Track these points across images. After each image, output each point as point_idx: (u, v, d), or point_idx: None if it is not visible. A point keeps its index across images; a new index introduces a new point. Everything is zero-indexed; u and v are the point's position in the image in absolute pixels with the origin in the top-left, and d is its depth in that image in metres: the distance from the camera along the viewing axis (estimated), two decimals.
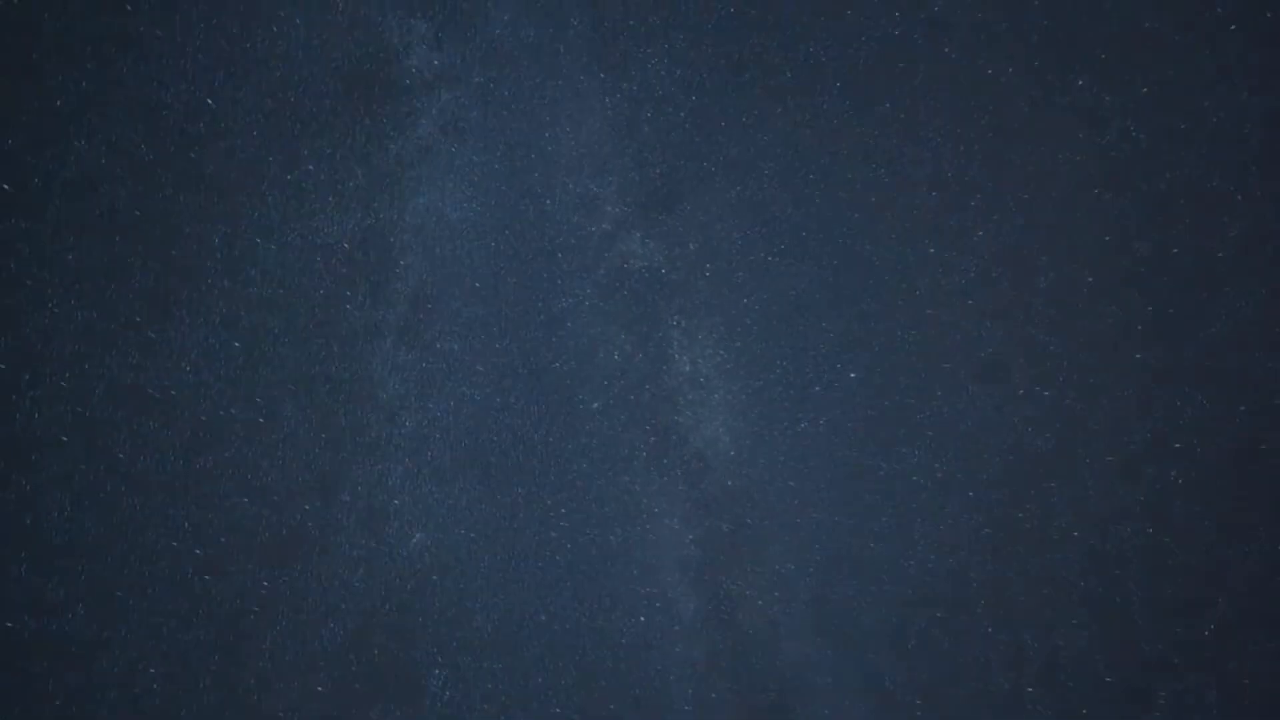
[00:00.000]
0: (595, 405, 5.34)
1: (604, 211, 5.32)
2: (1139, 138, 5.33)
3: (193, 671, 4.78)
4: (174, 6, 4.37)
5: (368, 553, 5.14)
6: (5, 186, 3.61)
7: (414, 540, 5.18)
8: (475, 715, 5.17)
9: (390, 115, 4.87)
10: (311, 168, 4.72)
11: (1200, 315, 5.39)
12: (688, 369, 5.41)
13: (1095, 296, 5.48)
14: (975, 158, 5.40)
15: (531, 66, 4.96)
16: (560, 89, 5.06)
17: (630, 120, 5.21)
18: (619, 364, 5.40)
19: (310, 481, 5.02)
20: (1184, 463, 5.46)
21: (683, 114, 5.22)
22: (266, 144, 4.72)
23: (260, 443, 4.93)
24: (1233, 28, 5.17)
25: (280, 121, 4.66)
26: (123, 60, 4.38)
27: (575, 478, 5.29)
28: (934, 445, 5.62)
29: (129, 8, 4.26)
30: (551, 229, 5.27)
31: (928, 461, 5.64)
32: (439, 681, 5.20)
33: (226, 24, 4.49)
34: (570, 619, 5.37)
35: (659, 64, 5.09)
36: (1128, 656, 5.55)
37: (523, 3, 4.87)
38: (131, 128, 4.43)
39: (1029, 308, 5.58)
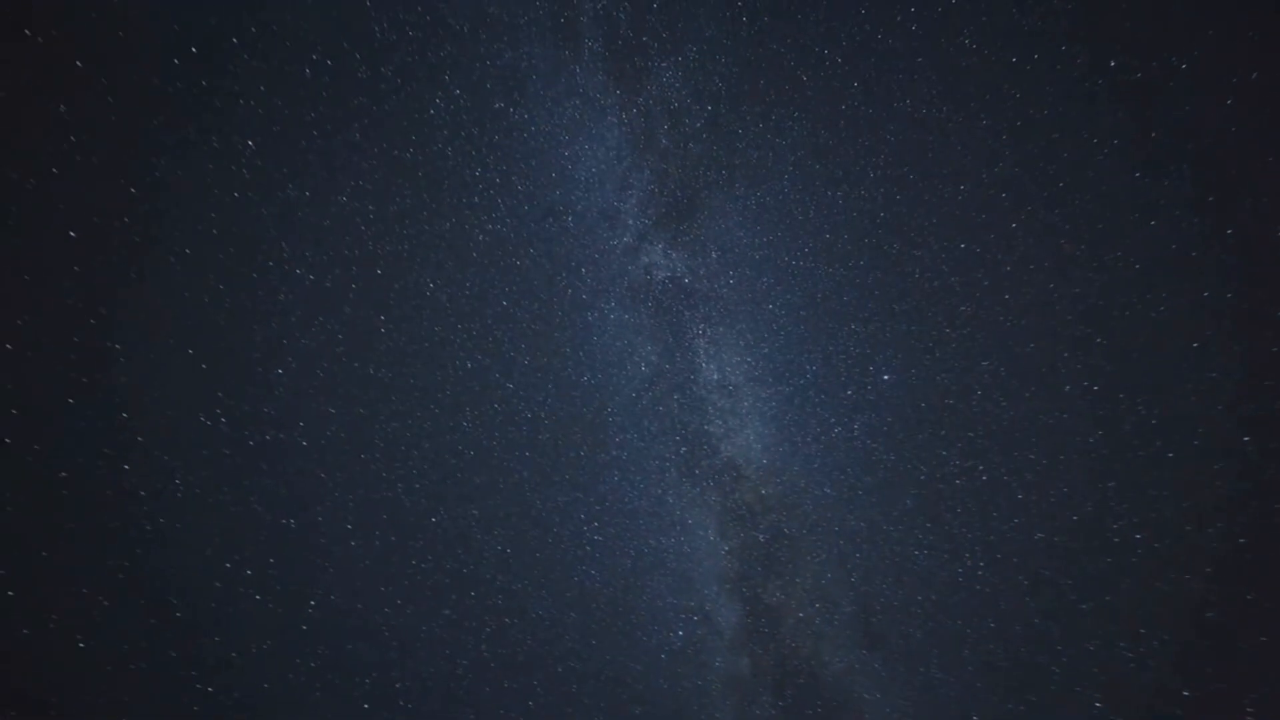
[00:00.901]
0: (624, 418, 5.37)
1: (625, 225, 5.40)
2: (1180, 118, 5.08)
3: None
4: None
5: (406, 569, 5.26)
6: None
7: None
8: None
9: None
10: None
11: (1260, 301, 5.06)
12: (716, 377, 5.39)
13: (1144, 285, 5.22)
14: (1004, 149, 5.25)
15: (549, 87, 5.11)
16: (578, 108, 5.19)
17: (648, 134, 5.29)
18: (647, 375, 5.42)
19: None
20: (1257, 458, 5.10)
21: (699, 124, 5.26)
22: None
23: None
24: None
25: None
26: None
27: (607, 490, 5.31)
28: (977, 446, 5.42)
29: None
30: (574, 244, 5.37)
31: (971, 464, 5.43)
32: (479, 696, 5.24)
33: None
34: (608, 633, 5.36)
35: (673, 77, 5.17)
36: (1210, 668, 5.18)
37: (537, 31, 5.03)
38: None
39: (1072, 300, 5.35)
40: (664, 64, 5.12)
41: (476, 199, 5.15)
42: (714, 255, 5.36)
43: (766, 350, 5.40)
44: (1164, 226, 5.20)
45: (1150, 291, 5.25)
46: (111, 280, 4.70)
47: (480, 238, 5.21)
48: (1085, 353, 5.33)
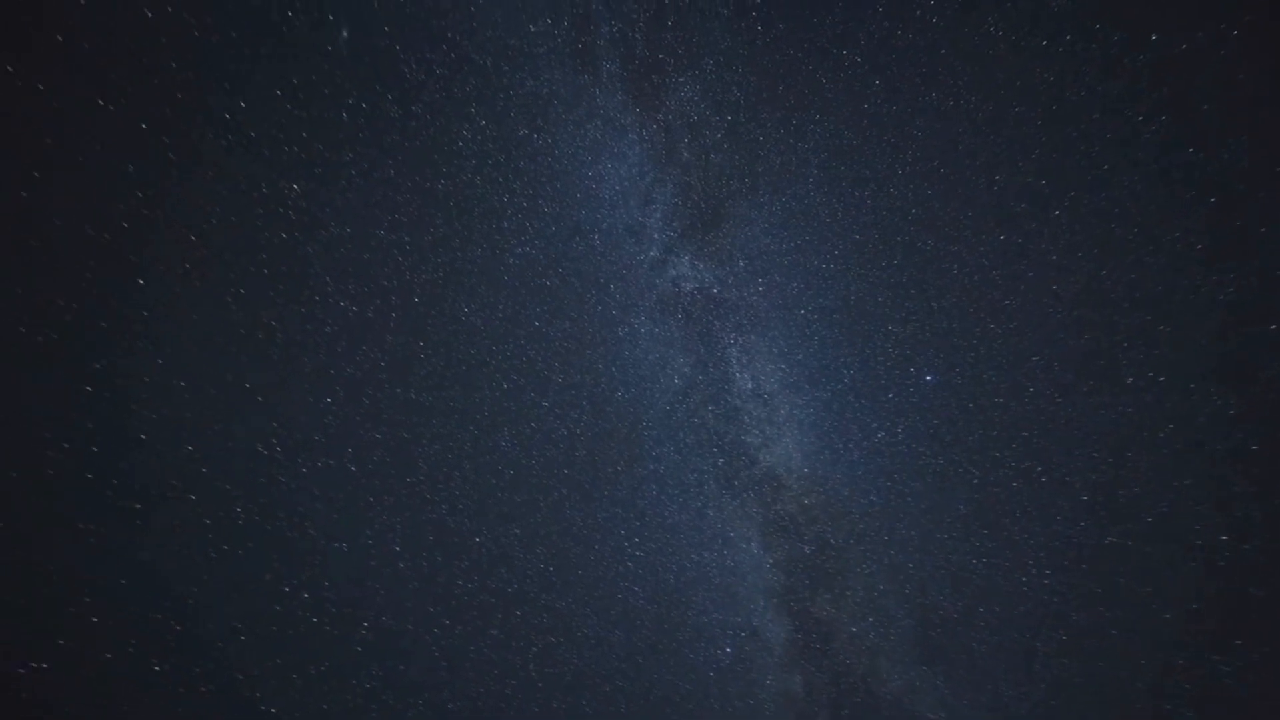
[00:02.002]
0: (660, 431, 5.34)
1: (651, 239, 5.44)
2: (1234, 86, 4.77)
3: None
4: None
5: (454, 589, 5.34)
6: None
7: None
8: None
9: None
10: None
11: None
12: (750, 386, 5.31)
13: (1208, 266, 4.88)
14: (1040, 135, 5.04)
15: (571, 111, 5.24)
16: (600, 129, 5.30)
17: (669, 148, 5.35)
18: (680, 387, 5.39)
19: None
20: None
21: (719, 135, 5.28)
22: None
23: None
24: None
25: None
26: None
27: (646, 505, 5.28)
28: (1033, 447, 5.14)
29: None
30: (602, 261, 5.44)
31: (1028, 465, 5.15)
32: (528, 717, 5.23)
33: None
34: (655, 651, 5.28)
35: (692, 91, 5.22)
36: None
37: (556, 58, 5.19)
38: None
39: (1128, 286, 5.05)
40: (681, 79, 5.19)
41: (505, 224, 5.30)
42: (741, 263, 5.33)
43: (800, 356, 5.30)
44: (1226, 202, 4.87)
45: (1216, 273, 4.90)
46: (176, 323, 5.05)
47: (511, 261, 5.35)
48: (1147, 342, 5.00)
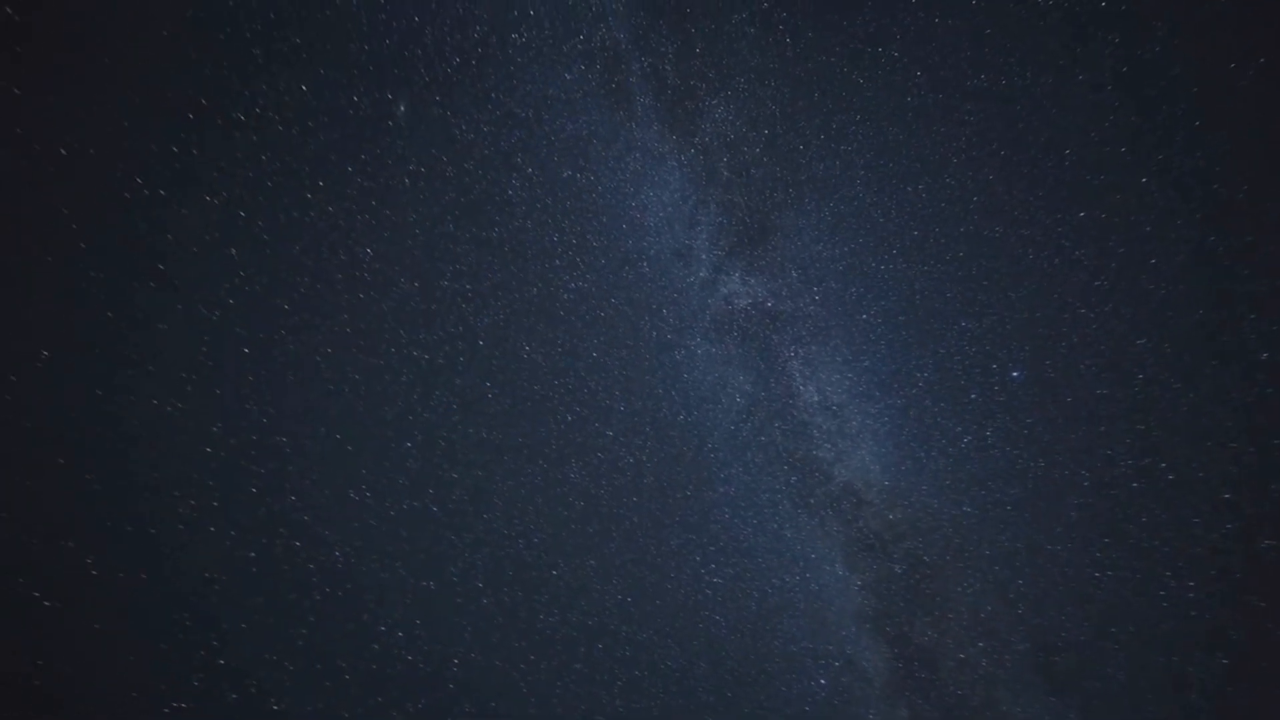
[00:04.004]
0: (726, 452, 5.22)
1: (699, 259, 5.44)
2: None
3: None
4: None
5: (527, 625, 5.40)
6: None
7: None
8: None
9: None
10: None
11: None
12: (816, 399, 5.10)
13: None
14: (1112, 101, 4.64)
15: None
16: (639, 160, 5.44)
17: (709, 169, 5.38)
18: (743, 405, 5.27)
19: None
20: None
21: (758, 149, 5.26)
22: None
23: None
24: None
25: None
26: None
27: (719, 530, 5.13)
28: (1152, 441, 4.56)
29: None
30: (653, 288, 5.49)
31: (1148, 462, 4.57)
32: None
33: None
34: (743, 684, 5.04)
35: (726, 111, 5.26)
36: None
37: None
38: None
39: (1243, 251, 4.47)
40: (714, 101, 5.25)
41: (558, 261, 5.51)
42: (794, 274, 5.20)
43: (867, 363, 5.04)
44: None
45: None
46: (276, 386, 5.58)
47: (565, 297, 5.52)
48: (1278, 311, 4.38)
